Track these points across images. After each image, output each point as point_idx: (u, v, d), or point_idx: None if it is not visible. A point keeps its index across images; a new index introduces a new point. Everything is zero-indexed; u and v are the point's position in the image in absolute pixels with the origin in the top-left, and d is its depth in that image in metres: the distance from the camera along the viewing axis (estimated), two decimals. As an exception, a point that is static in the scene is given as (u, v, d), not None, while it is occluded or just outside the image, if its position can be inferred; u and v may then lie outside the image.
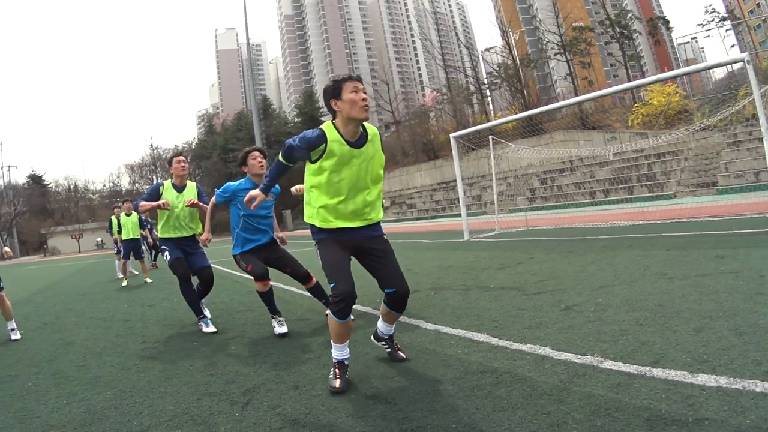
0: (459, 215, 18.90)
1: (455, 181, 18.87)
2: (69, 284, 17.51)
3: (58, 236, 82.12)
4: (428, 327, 5.57)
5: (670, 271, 7.05)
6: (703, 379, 3.33)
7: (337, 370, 4.19)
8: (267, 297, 6.37)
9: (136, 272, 15.08)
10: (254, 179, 6.43)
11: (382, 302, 4.50)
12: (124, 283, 14.63)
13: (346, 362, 4.25)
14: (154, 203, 7.01)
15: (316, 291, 6.69)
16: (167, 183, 7.32)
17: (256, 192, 4.63)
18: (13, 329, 7.82)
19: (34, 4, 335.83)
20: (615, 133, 37.86)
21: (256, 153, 6.48)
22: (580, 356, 4.02)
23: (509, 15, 66.46)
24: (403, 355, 4.60)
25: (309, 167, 4.30)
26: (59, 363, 5.91)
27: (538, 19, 66.37)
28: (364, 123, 4.30)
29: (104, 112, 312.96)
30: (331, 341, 4.26)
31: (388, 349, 4.66)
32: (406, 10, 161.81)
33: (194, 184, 7.56)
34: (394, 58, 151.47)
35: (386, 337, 4.68)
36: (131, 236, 15.15)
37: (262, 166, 6.42)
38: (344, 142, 4.17)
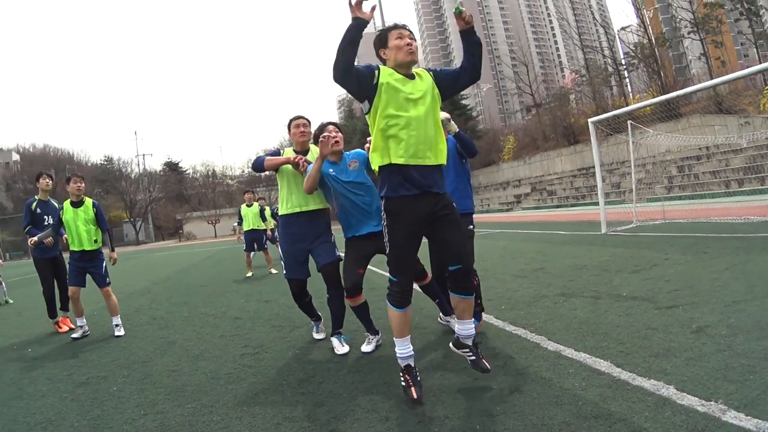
0: (598, 204, 18.05)
1: (595, 167, 18.08)
2: (193, 273, 17.93)
3: (193, 221, 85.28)
4: (549, 347, 4.85)
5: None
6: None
7: (407, 377, 4.09)
8: (360, 313, 5.57)
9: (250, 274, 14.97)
10: (331, 158, 5.50)
11: (450, 293, 4.29)
12: (249, 274, 14.61)
13: (412, 363, 4.16)
14: (283, 158, 5.79)
15: (429, 289, 5.90)
16: (288, 150, 6.07)
17: None
18: (117, 325, 7.80)
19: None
20: (749, 118, 35.25)
21: (331, 127, 5.64)
22: (703, 402, 3.32)
23: (643, -11, 62.29)
24: (487, 366, 4.17)
25: (371, 116, 4.19)
26: (152, 366, 5.78)
27: (670, -6, 62.55)
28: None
29: (242, 99, 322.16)
30: (393, 338, 4.21)
31: (472, 357, 4.25)
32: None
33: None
34: (532, 39, 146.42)
35: (468, 343, 4.29)
36: (252, 227, 15.13)
37: (337, 141, 5.47)
38: (395, 72, 4.17)
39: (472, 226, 5.85)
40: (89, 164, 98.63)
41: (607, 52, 64.03)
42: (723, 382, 3.59)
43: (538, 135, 63.90)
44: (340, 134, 5.59)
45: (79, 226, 7.74)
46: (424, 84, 4.19)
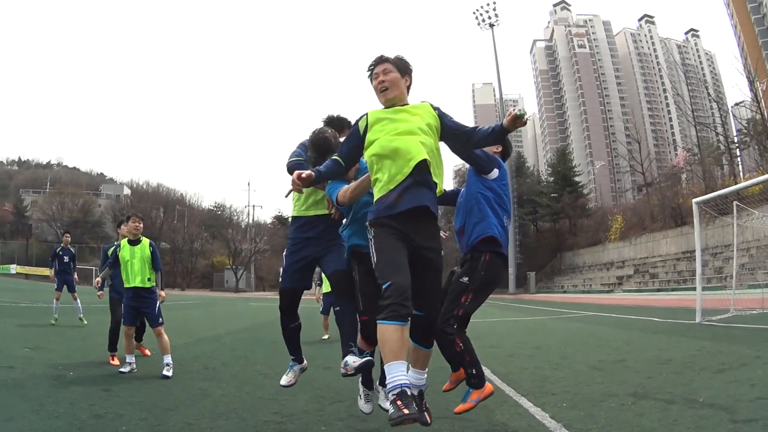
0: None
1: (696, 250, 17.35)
2: (273, 327, 17.13)
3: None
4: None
5: None
6: None
7: (399, 403, 3.06)
8: (369, 365, 4.52)
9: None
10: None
11: (410, 339, 3.85)
12: (325, 336, 14.32)
13: (408, 391, 3.18)
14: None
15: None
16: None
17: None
18: (168, 364, 7.84)
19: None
20: None
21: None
22: None
23: (755, 62, 57.28)
24: (428, 420, 3.82)
25: (366, 156, 3.98)
26: (173, 415, 5.57)
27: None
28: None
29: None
30: (384, 366, 3.32)
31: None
32: (657, 63, 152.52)
33: None
34: (647, 115, 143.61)
35: (415, 393, 3.77)
36: (329, 291, 14.57)
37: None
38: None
39: (464, 280, 4.58)
40: (200, 207, 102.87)
41: (719, 129, 61.35)
42: None
43: (645, 215, 63.13)
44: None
45: (134, 264, 8.04)
46: (418, 110, 4.00)
